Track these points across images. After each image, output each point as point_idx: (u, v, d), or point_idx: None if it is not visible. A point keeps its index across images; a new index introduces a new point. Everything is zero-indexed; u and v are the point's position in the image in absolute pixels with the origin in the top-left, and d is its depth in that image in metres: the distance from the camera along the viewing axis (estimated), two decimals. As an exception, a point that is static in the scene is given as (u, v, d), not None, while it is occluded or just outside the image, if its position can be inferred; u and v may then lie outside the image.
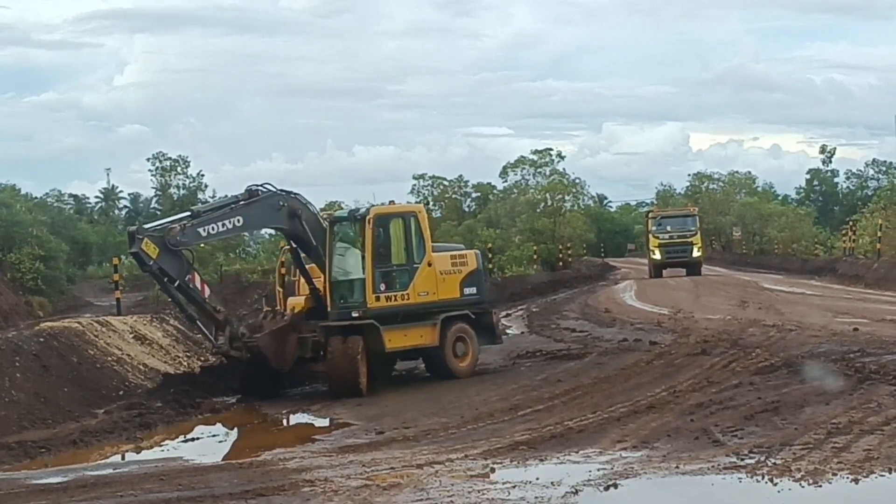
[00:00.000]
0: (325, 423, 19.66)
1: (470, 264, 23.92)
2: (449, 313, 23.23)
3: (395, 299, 22.51)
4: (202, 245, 24.05)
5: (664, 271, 62.59)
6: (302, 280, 23.24)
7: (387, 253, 22.58)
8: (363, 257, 22.32)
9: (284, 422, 20.72)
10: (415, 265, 22.79)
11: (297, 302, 22.90)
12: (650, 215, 69.13)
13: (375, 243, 22.25)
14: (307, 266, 23.06)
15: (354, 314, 22.13)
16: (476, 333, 23.71)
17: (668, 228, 63.37)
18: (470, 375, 23.21)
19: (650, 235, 64.53)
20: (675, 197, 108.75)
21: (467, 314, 23.62)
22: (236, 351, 21.68)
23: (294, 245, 22.94)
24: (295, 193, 22.60)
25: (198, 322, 22.11)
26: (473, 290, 23.81)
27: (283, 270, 25.40)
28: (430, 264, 22.96)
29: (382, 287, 22.28)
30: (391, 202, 24.23)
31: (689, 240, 62.65)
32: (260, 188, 22.16)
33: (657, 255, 62.88)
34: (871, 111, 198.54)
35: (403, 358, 23.92)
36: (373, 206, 24.40)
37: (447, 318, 23.16)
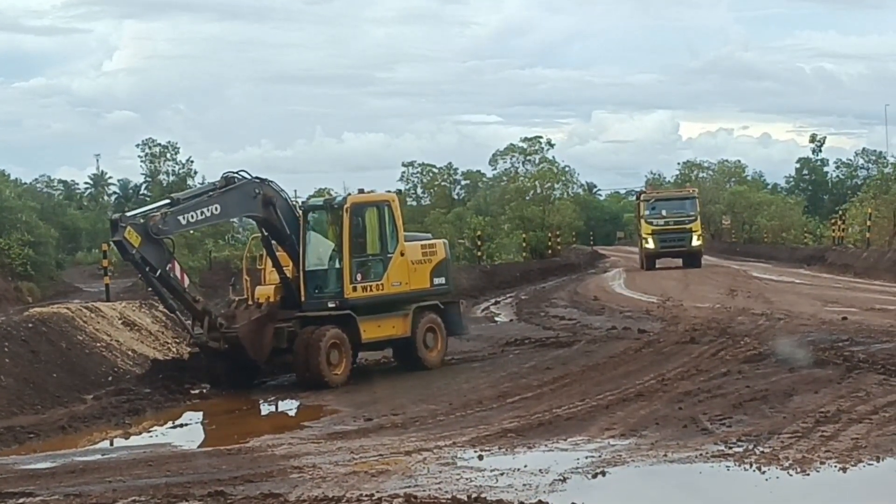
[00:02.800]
0: (313, 409, 19.63)
1: (439, 254, 23.77)
2: (420, 304, 23.09)
3: (371, 289, 22.27)
4: (191, 231, 23.75)
5: (657, 262, 55.33)
6: (269, 269, 22.84)
7: (363, 242, 22.29)
8: (340, 246, 22.04)
9: (273, 408, 20.70)
10: (388, 255, 22.59)
11: (266, 291, 22.41)
12: (642, 197, 58.75)
13: (353, 232, 22.01)
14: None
15: (331, 304, 21.94)
16: (444, 324, 23.56)
17: (664, 213, 54.97)
18: (440, 366, 23.07)
19: (642, 221, 55.88)
20: (665, 185, 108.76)
21: (437, 305, 23.48)
22: (214, 342, 21.38)
23: (266, 233, 22.55)
24: (269, 181, 22.23)
25: (177, 312, 21.94)
26: (442, 280, 23.68)
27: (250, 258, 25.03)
28: (402, 254, 22.78)
29: (359, 277, 22.09)
30: (360, 190, 23.86)
31: (688, 226, 54.45)
32: (236, 175, 21.84)
33: (650, 244, 54.69)
34: (860, 100, 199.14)
35: (369, 349, 23.46)
36: (349, 194, 24.07)
37: (418, 309, 23.00)
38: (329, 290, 22.15)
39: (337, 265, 22.04)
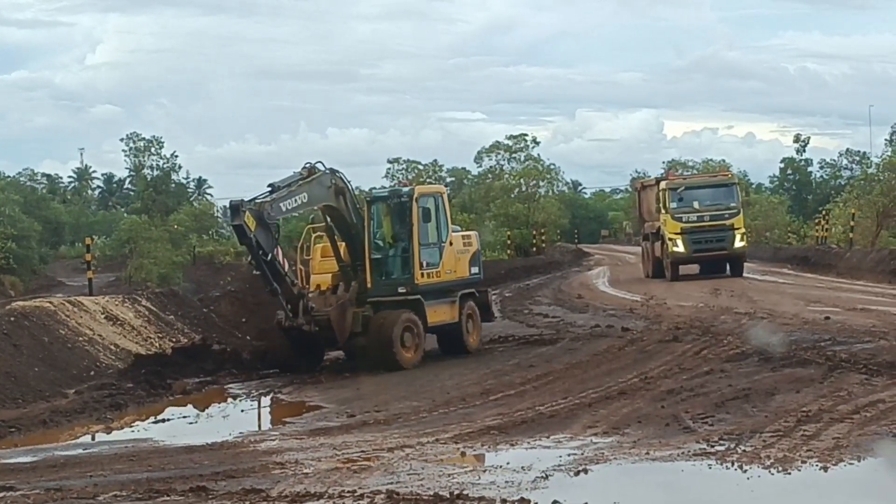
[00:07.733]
0: (296, 405, 19.61)
1: (474, 245, 25.09)
2: (463, 291, 24.11)
3: (433, 276, 23.31)
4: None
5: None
6: (317, 259, 23.71)
7: (425, 231, 23.25)
8: (408, 234, 22.93)
9: (256, 404, 20.68)
10: (442, 244, 23.65)
11: (321, 280, 23.31)
12: (665, 185, 43.82)
13: (421, 221, 22.91)
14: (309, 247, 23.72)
15: (401, 290, 22.80)
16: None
17: (696, 205, 42.57)
18: (476, 351, 24.03)
19: (667, 216, 42.78)
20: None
21: (473, 292, 24.56)
22: (307, 325, 22.14)
23: (331, 223, 23.31)
24: (339, 172, 23.11)
25: (279, 296, 22.21)
26: (477, 269, 24.87)
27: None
28: (451, 243, 23.85)
29: (425, 264, 23.04)
30: (404, 183, 25.06)
31: (729, 222, 42.34)
32: (315, 166, 22.65)
33: (679, 247, 42.21)
34: (845, 100, 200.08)
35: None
36: (418, 183, 25.08)
37: (463, 296, 24.03)
38: (398, 277, 23.13)
39: (404, 252, 22.99)
